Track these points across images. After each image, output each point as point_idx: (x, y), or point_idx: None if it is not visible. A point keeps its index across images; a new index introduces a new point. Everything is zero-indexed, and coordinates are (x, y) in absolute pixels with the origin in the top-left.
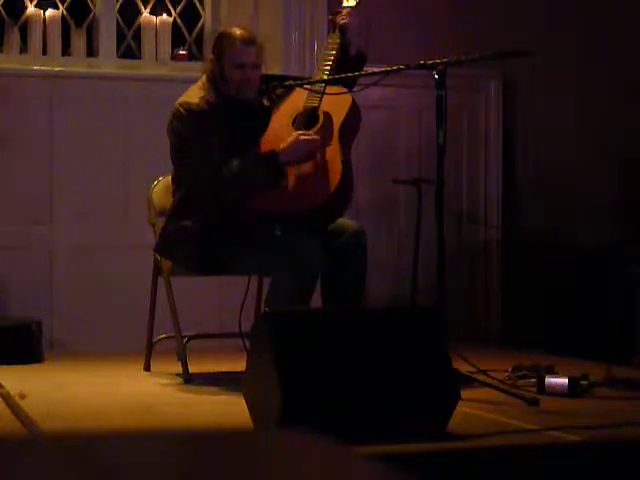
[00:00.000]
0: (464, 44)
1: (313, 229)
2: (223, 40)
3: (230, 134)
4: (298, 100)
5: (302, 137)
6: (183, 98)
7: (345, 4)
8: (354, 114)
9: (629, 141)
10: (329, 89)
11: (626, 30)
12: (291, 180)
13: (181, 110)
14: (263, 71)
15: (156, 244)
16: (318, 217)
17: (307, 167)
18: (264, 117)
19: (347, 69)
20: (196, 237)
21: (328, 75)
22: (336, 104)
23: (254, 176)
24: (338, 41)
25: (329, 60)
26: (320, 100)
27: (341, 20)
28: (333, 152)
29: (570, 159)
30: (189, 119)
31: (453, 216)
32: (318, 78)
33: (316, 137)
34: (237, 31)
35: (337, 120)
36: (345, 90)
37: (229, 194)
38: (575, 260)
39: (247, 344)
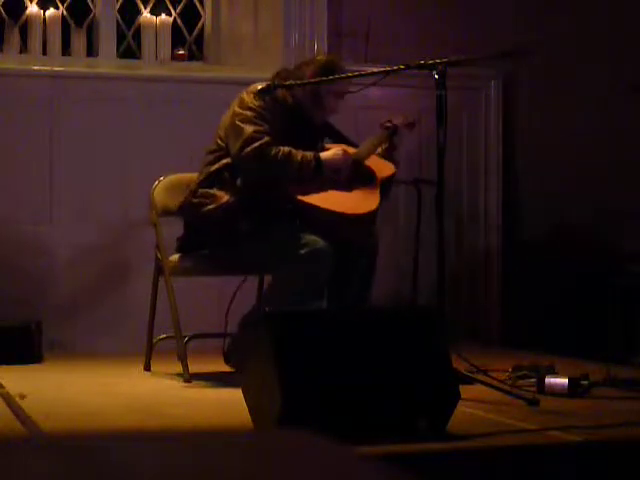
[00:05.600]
0: (464, 44)
1: (330, 237)
2: (335, 67)
3: (289, 135)
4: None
5: (343, 149)
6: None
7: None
8: (392, 181)
9: (629, 141)
10: (379, 158)
11: (626, 30)
12: (330, 189)
13: (259, 87)
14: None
15: (181, 205)
16: (344, 229)
17: (344, 182)
18: (317, 141)
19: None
20: (222, 208)
21: (370, 152)
22: (381, 166)
23: (296, 165)
24: (386, 137)
25: (374, 145)
26: (366, 157)
27: (395, 123)
28: (373, 192)
29: (570, 159)
30: (264, 97)
31: (453, 216)
32: (366, 149)
33: (351, 155)
34: (342, 62)
35: (380, 175)
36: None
37: (267, 170)
38: (575, 260)
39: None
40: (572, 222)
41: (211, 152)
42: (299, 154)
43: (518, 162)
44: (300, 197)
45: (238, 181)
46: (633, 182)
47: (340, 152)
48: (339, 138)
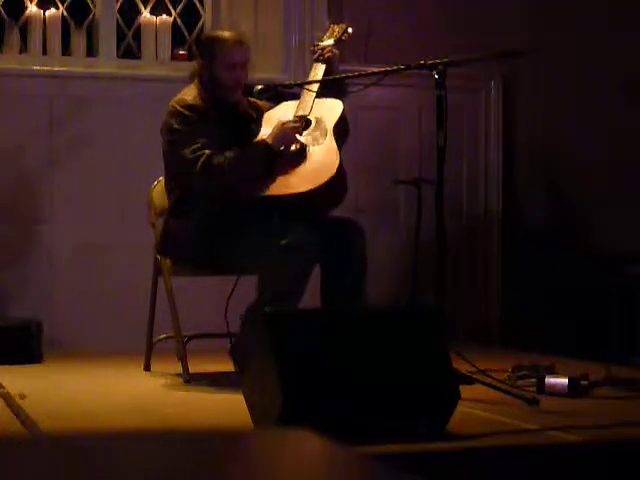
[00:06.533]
0: (463, 44)
1: (311, 218)
2: (213, 42)
3: (221, 132)
4: (287, 111)
5: (284, 125)
6: (177, 97)
7: (325, 42)
8: (344, 122)
9: (629, 141)
10: (323, 100)
11: (626, 30)
12: (289, 167)
13: (176, 106)
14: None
15: (158, 244)
16: (316, 202)
17: (299, 155)
18: (251, 121)
19: (330, 94)
20: (196, 231)
21: (315, 97)
22: (328, 111)
23: (248, 162)
24: (323, 69)
25: (313, 88)
26: (310, 109)
27: (327, 53)
28: (329, 145)
29: (570, 159)
30: (184, 114)
31: (453, 216)
32: (306, 97)
33: (296, 124)
34: (225, 33)
35: (330, 122)
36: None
37: (224, 179)
38: (575, 260)
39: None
40: (572, 222)
41: (166, 183)
42: (245, 151)
43: (518, 162)
44: (261, 194)
45: (200, 201)
46: (633, 182)
47: (281, 126)
48: (278, 98)
